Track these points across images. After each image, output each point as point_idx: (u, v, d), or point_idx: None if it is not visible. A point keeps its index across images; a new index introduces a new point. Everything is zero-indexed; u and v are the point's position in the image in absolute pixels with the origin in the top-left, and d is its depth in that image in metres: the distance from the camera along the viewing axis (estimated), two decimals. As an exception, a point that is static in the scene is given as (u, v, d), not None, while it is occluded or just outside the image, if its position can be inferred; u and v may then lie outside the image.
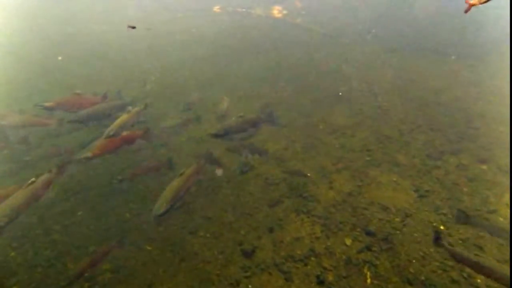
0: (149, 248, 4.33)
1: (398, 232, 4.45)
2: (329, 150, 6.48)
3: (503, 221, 4.58)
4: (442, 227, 4.54)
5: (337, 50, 12.13)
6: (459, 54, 11.05)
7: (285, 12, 15.32)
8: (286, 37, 13.28)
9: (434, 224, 4.60)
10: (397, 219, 4.63)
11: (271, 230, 4.64)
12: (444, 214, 4.74)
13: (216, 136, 5.06)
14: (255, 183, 5.55)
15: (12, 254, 4.34)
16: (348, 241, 4.30)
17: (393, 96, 8.70)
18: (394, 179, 5.44)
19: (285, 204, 5.12)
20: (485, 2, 2.72)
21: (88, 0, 17.28)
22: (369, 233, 4.39)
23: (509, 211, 4.68)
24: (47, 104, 5.33)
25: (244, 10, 15.87)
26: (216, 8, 16.51)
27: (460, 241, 4.31)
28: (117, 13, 15.81)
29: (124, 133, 5.17)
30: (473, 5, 2.75)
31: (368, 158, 6.08)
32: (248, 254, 4.27)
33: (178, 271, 4.11)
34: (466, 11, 2.87)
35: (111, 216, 4.91)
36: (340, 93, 8.70)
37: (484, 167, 5.68)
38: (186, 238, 4.53)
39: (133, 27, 5.04)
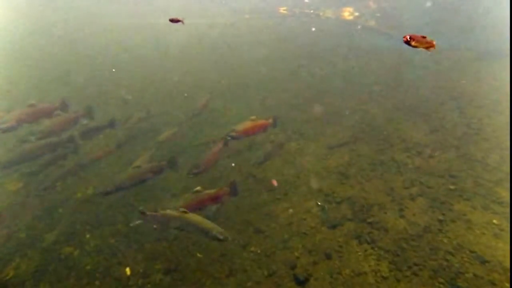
0: (199, 255, 4.05)
1: (508, 303, 3.17)
2: (401, 170, 5.41)
3: None
4: None
5: (416, 57, 10.50)
6: None
7: (356, 14, 13.82)
8: (357, 42, 12.01)
9: None
10: (508, 285, 3.31)
11: (328, 256, 3.94)
12: None
13: (106, 194, 4.25)
14: (314, 199, 4.88)
15: (88, 236, 4.56)
16: (427, 293, 3.34)
17: (486, 112, 7.01)
18: (495, 221, 4.08)
19: (346, 227, 4.35)
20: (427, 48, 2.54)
21: (160, 4, 18.24)
22: (458, 290, 3.31)
23: None
24: (4, 126, 4.51)
25: (311, 11, 14.92)
26: (282, 9, 15.90)
27: None
28: (183, 14, 16.41)
29: None
30: (415, 46, 2.57)
31: (452, 187, 4.85)
32: (301, 282, 3.67)
33: (225, 286, 3.73)
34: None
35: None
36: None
37: None
38: (236, 251, 4.11)
39: (178, 21, 4.70)
